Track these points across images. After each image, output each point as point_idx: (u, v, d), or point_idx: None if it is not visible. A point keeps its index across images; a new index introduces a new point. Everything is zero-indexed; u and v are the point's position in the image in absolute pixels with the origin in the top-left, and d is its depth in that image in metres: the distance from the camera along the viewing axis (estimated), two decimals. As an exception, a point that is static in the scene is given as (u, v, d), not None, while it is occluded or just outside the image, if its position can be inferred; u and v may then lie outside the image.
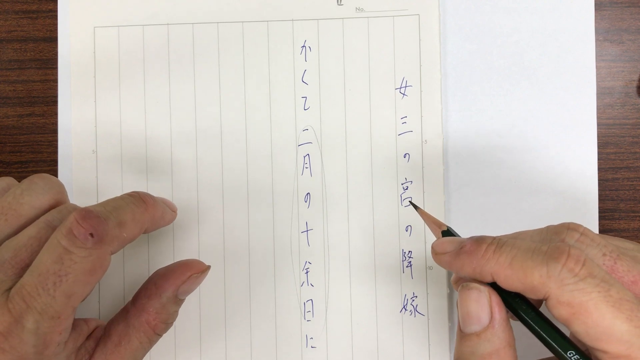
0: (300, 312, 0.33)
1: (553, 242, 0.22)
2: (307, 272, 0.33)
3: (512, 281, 0.21)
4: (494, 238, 0.22)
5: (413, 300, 0.33)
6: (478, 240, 0.22)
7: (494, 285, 0.22)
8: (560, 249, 0.20)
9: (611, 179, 0.34)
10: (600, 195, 0.33)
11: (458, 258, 0.22)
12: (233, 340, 0.33)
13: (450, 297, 0.33)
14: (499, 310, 0.21)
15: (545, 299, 0.20)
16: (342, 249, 0.33)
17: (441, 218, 0.32)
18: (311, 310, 0.33)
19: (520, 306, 0.22)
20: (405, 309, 0.33)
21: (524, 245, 0.21)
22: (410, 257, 0.33)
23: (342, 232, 0.33)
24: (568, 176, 0.33)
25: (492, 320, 0.21)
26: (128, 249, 0.33)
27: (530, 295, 0.21)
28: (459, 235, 0.25)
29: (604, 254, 0.22)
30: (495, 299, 0.22)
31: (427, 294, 0.33)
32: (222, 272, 0.33)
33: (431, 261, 0.32)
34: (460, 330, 0.22)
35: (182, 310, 0.33)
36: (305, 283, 0.33)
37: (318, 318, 0.33)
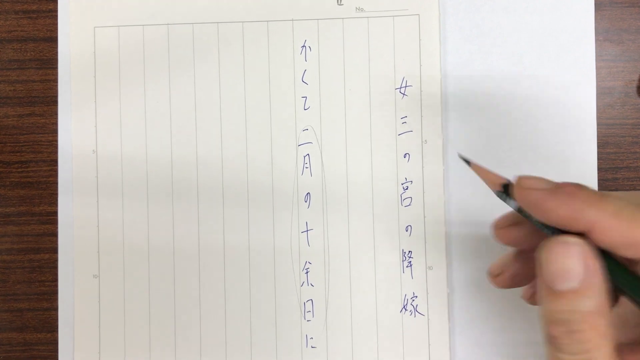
0: (300, 312, 0.33)
1: None
2: (307, 272, 0.33)
3: (612, 232, 0.19)
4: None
5: (413, 300, 0.33)
6: (580, 185, 0.21)
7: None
8: None
9: (611, 179, 0.34)
10: (600, 195, 0.33)
11: (555, 197, 0.21)
12: (233, 340, 0.33)
13: (450, 297, 0.33)
14: (596, 262, 0.20)
15: None
16: (342, 249, 0.33)
17: (441, 218, 0.32)
18: (311, 310, 0.33)
19: (610, 261, 0.20)
20: (405, 309, 0.33)
21: (632, 199, 0.20)
22: (410, 257, 0.33)
23: (342, 232, 0.33)
24: (568, 176, 0.33)
25: (591, 273, 0.19)
26: (128, 250, 0.33)
27: (627, 251, 0.20)
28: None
29: None
30: (592, 250, 0.20)
31: (427, 294, 0.33)
32: (222, 272, 0.33)
33: (431, 261, 0.32)
34: (549, 288, 0.20)
35: (182, 310, 0.33)
36: (305, 283, 0.33)
37: (318, 318, 0.33)
